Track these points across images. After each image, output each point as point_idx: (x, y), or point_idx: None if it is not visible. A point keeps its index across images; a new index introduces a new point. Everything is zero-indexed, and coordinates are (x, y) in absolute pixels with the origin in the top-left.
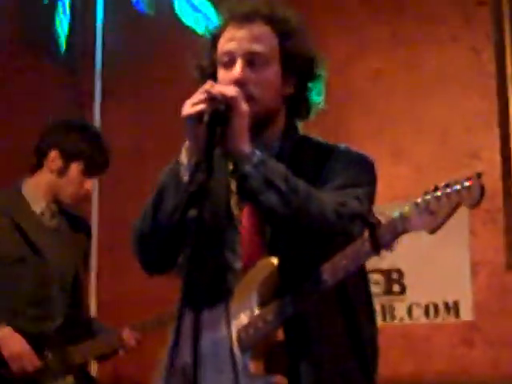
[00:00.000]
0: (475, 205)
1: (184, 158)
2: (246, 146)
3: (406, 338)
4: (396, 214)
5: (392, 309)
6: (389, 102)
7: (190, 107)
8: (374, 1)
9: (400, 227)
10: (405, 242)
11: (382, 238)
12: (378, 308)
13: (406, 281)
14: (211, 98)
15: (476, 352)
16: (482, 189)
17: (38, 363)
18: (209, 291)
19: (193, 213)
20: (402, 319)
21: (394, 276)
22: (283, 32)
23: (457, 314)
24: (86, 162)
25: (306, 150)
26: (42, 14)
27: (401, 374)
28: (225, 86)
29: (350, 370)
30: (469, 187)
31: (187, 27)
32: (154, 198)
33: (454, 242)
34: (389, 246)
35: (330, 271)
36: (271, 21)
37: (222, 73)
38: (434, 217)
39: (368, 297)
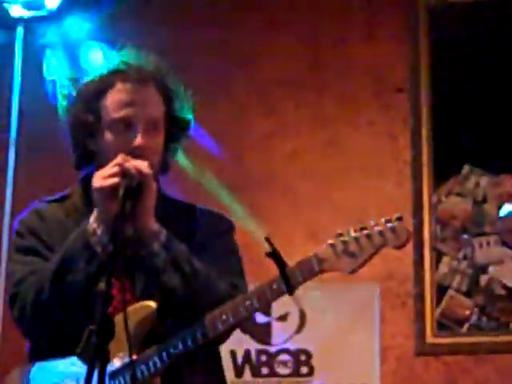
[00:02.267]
0: (401, 246)
1: (94, 226)
2: (154, 223)
3: None
4: (311, 254)
5: None
6: (306, 183)
7: (101, 179)
8: (292, 81)
9: (316, 267)
10: (314, 324)
11: (295, 278)
12: None
13: (315, 363)
14: (124, 173)
15: None
16: (407, 230)
17: None
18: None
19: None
20: None
21: (303, 357)
22: (168, 97)
23: None
24: None
25: (166, 208)
26: None
27: None
28: (123, 155)
29: None
30: (393, 228)
31: None
32: (56, 269)
33: (364, 326)
34: (300, 284)
35: (231, 311)
36: (161, 85)
37: (113, 136)
38: (355, 258)
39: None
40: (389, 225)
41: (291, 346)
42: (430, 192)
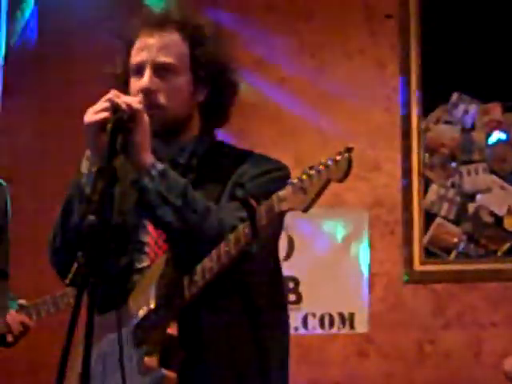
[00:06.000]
0: (342, 179)
1: (84, 167)
2: (146, 158)
3: (301, 347)
4: (274, 195)
5: None
6: (294, 111)
7: (92, 115)
8: (281, 8)
9: (276, 208)
10: (302, 251)
11: (260, 221)
12: None
13: (303, 290)
14: (115, 108)
15: (369, 363)
16: (349, 162)
17: None
18: (114, 293)
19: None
20: (296, 329)
21: (291, 285)
22: (194, 39)
23: (352, 326)
24: None
25: (219, 154)
26: None
27: None
28: (130, 96)
29: (248, 378)
30: (336, 161)
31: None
32: (61, 212)
33: (352, 254)
34: (267, 228)
35: (215, 258)
36: (182, 28)
37: (132, 81)
38: (306, 195)
39: (278, 303)
40: (334, 157)
41: None
42: (419, 119)
